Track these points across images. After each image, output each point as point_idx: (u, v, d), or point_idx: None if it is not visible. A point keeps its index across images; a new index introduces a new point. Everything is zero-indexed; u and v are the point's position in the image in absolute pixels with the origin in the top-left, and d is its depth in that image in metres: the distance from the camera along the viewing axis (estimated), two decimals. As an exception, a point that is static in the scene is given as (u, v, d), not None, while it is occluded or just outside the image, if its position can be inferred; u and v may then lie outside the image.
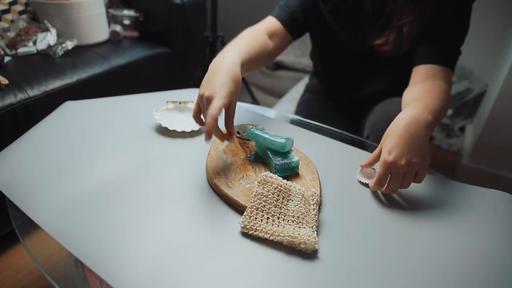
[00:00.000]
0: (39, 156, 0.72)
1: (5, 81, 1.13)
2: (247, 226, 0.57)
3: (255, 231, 0.56)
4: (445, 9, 0.82)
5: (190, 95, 0.98)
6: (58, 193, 0.63)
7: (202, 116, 0.70)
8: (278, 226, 0.57)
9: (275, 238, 0.55)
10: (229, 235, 0.57)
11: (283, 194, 0.61)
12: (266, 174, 0.62)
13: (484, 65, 1.97)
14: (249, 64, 0.78)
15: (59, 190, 0.64)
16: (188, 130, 0.82)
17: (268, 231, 0.56)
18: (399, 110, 0.75)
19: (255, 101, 2.13)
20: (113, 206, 0.61)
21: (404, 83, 0.86)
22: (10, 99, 1.10)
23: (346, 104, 1.14)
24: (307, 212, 0.59)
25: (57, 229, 0.56)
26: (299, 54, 2.12)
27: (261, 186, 0.61)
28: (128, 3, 1.72)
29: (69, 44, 1.39)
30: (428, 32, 0.84)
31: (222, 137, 0.66)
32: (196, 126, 0.83)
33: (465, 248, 0.57)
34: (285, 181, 0.62)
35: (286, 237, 0.55)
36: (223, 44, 1.94)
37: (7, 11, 1.40)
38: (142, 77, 1.57)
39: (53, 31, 1.39)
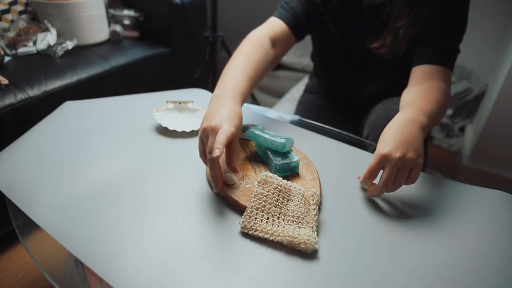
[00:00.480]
0: (39, 156, 0.72)
1: (5, 81, 1.13)
2: (247, 226, 0.57)
3: (255, 231, 0.56)
4: (442, 9, 0.82)
5: (190, 95, 0.98)
6: (58, 193, 0.63)
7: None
8: (278, 226, 0.57)
9: (275, 238, 0.55)
10: (229, 235, 0.57)
11: (283, 194, 0.61)
12: (266, 174, 0.62)
13: (484, 65, 1.97)
14: (251, 87, 0.77)
15: (59, 190, 0.64)
16: (188, 130, 0.82)
17: (268, 231, 0.56)
18: (398, 110, 0.75)
19: (255, 101, 2.14)
20: (113, 206, 0.61)
21: (403, 84, 0.86)
22: (10, 99, 1.10)
23: (346, 104, 1.14)
24: (307, 212, 0.59)
25: (57, 229, 0.56)
26: (299, 54, 2.12)
27: (261, 186, 0.61)
28: (128, 3, 1.72)
29: (69, 44, 1.40)
30: (426, 32, 0.84)
31: (219, 182, 0.61)
32: (196, 126, 0.82)
33: (465, 248, 0.57)
34: (285, 181, 0.62)
35: (286, 237, 0.55)
36: (223, 44, 1.94)
37: (7, 11, 1.40)
38: (142, 77, 1.57)
39: (53, 31, 1.39)
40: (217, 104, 0.67)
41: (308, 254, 0.54)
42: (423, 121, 0.67)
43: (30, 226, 0.58)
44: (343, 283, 0.51)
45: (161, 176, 0.68)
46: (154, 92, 1.03)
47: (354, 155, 0.80)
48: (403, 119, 0.66)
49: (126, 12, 1.65)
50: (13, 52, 1.34)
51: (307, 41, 1.10)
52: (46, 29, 1.40)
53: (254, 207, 0.59)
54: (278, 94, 2.10)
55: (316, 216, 0.59)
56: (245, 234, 0.57)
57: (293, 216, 0.58)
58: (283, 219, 0.59)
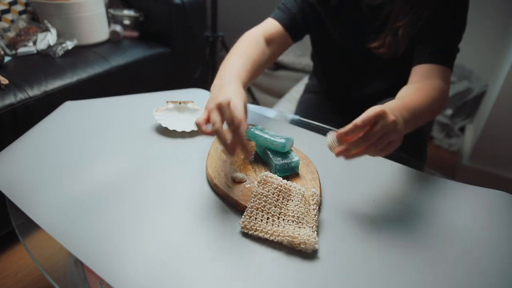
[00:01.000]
0: (39, 156, 0.72)
1: (5, 81, 1.13)
2: (247, 226, 0.57)
3: (255, 231, 0.56)
4: (442, 8, 0.82)
5: (190, 95, 0.98)
6: (58, 193, 0.63)
7: (206, 126, 0.64)
8: (278, 226, 0.57)
9: (275, 238, 0.55)
10: (229, 235, 0.57)
11: (283, 194, 0.61)
12: (266, 174, 0.62)
13: (484, 65, 1.97)
14: (249, 79, 0.78)
15: (59, 190, 0.64)
16: (188, 130, 0.82)
17: (268, 231, 0.56)
18: None
19: (255, 101, 2.14)
20: (113, 206, 0.61)
21: (403, 84, 0.86)
22: (10, 99, 1.10)
23: (346, 104, 1.14)
24: (307, 212, 0.59)
25: (57, 229, 0.56)
26: (299, 54, 2.12)
27: (261, 186, 0.61)
28: (128, 3, 1.72)
29: (69, 44, 1.40)
30: (426, 32, 0.84)
31: (247, 148, 0.60)
32: (196, 126, 0.82)
33: (465, 248, 0.57)
34: (285, 181, 0.62)
35: (286, 237, 0.55)
36: (223, 44, 1.94)
37: (7, 11, 1.40)
38: (142, 77, 1.57)
39: (53, 31, 1.39)
40: (218, 89, 0.66)
41: (308, 254, 0.54)
42: (402, 115, 0.63)
43: (30, 226, 0.58)
44: (343, 283, 0.51)
45: (161, 176, 0.68)
46: (154, 92, 1.03)
47: (354, 155, 0.79)
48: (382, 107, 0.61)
49: (126, 12, 1.65)
50: (13, 52, 1.34)
51: (307, 41, 1.10)
52: (46, 29, 1.40)
53: (254, 207, 0.59)
54: (278, 94, 2.10)
55: (316, 216, 0.59)
56: (245, 234, 0.57)
57: (293, 216, 0.58)
58: (283, 219, 0.59)
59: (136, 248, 0.53)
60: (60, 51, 1.36)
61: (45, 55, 1.36)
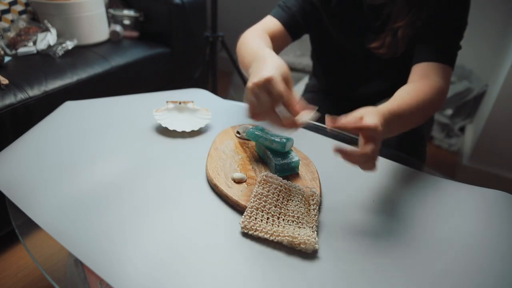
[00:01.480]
0: (39, 156, 0.72)
1: (5, 81, 1.13)
2: (247, 226, 0.57)
3: (255, 231, 0.56)
4: (442, 6, 0.82)
5: (190, 95, 0.98)
6: (58, 193, 0.63)
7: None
8: (278, 226, 0.57)
9: (275, 238, 0.55)
10: (229, 235, 0.57)
11: (283, 194, 0.61)
12: (266, 174, 0.62)
13: (484, 65, 1.97)
14: None
15: (59, 190, 0.64)
16: (188, 130, 0.82)
17: (268, 231, 0.56)
18: None
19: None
20: (113, 206, 0.61)
21: (403, 83, 0.85)
22: (10, 99, 1.10)
23: (346, 104, 1.14)
24: (307, 212, 0.59)
25: (57, 229, 0.56)
26: (299, 54, 2.12)
27: (261, 186, 0.61)
28: (128, 3, 1.72)
29: (69, 44, 1.40)
30: (426, 30, 0.84)
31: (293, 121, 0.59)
32: (196, 126, 0.82)
33: (465, 248, 0.57)
34: (285, 181, 0.62)
35: (286, 237, 0.55)
36: (223, 44, 1.94)
37: (7, 11, 1.41)
38: (142, 77, 1.57)
39: (53, 31, 1.39)
40: (255, 67, 0.63)
41: (308, 254, 0.54)
42: (388, 121, 0.63)
43: (30, 226, 0.58)
44: (343, 283, 0.51)
45: (161, 176, 0.68)
46: (154, 92, 1.03)
47: (354, 155, 0.79)
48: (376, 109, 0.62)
49: (126, 12, 1.65)
50: (13, 52, 1.34)
51: (307, 40, 1.10)
52: (46, 29, 1.40)
53: (254, 207, 0.59)
54: (278, 94, 2.10)
55: (316, 216, 0.59)
56: (245, 234, 0.57)
57: (293, 216, 0.58)
58: (283, 219, 0.59)
59: (136, 248, 0.53)
60: (60, 51, 1.36)
61: (45, 55, 1.36)
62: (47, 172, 0.68)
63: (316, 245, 0.54)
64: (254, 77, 0.58)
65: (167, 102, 0.87)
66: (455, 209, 0.65)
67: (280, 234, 0.55)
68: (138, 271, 0.50)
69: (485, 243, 0.59)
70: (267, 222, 0.58)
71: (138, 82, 1.56)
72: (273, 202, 0.60)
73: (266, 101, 0.58)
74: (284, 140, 0.68)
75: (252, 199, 0.60)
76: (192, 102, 0.88)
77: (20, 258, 1.18)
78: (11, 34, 1.35)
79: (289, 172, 0.68)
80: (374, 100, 1.02)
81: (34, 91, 1.16)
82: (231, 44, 1.99)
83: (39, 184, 0.65)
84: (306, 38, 1.08)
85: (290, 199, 0.61)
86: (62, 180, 0.66)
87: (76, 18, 1.43)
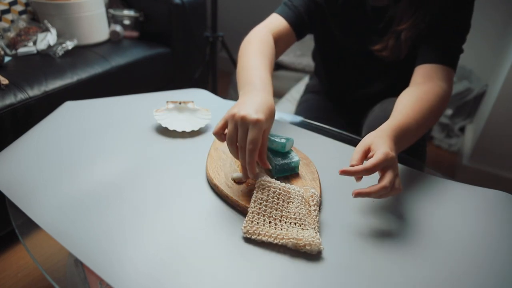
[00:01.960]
0: (39, 156, 0.72)
1: (5, 81, 1.13)
2: (249, 231, 0.56)
3: (258, 235, 0.56)
4: (446, 9, 0.82)
5: (190, 95, 0.98)
6: (58, 193, 0.63)
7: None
8: (281, 229, 0.57)
9: (279, 242, 0.55)
10: (229, 235, 0.57)
11: (283, 197, 0.61)
12: (263, 179, 0.61)
13: (484, 65, 1.97)
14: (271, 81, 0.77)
15: (59, 190, 0.64)
16: (188, 130, 0.82)
17: (272, 235, 0.56)
18: None
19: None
20: (113, 206, 0.61)
21: (404, 85, 0.85)
22: (10, 99, 1.10)
23: (346, 104, 1.14)
24: (308, 213, 0.59)
25: (57, 229, 0.56)
26: (299, 54, 2.12)
27: (260, 191, 0.60)
28: (128, 3, 1.72)
29: (69, 44, 1.39)
30: (430, 31, 0.84)
31: (254, 172, 0.60)
32: (196, 126, 0.83)
33: (464, 247, 0.57)
34: (283, 183, 0.62)
35: (291, 240, 0.54)
36: (223, 44, 1.94)
37: (7, 11, 1.40)
38: (142, 77, 1.57)
39: (53, 31, 1.39)
40: (248, 96, 0.65)
41: (312, 255, 0.54)
42: (398, 141, 0.65)
43: (30, 226, 0.58)
44: (349, 282, 0.51)
45: (161, 176, 0.68)
46: (154, 92, 1.03)
47: (354, 155, 0.79)
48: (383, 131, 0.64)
49: (126, 12, 1.65)
50: (13, 52, 1.34)
51: (307, 40, 1.10)
52: (46, 29, 1.39)
53: (255, 212, 0.58)
54: (278, 94, 2.10)
55: (317, 217, 0.59)
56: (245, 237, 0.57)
57: (295, 218, 0.58)
58: (285, 222, 0.58)
59: (136, 248, 0.53)
60: (60, 51, 1.36)
61: (45, 55, 1.36)
62: (47, 172, 0.68)
63: (321, 246, 0.54)
64: (244, 109, 0.60)
65: (167, 102, 0.87)
66: (455, 209, 0.65)
67: (284, 237, 0.55)
68: (138, 271, 0.50)
69: (485, 243, 0.59)
70: (269, 226, 0.58)
71: (138, 82, 1.56)
72: (274, 206, 0.59)
73: (240, 136, 0.59)
74: (284, 140, 0.68)
75: (252, 204, 0.59)
76: (192, 102, 0.88)
77: (20, 258, 1.18)
78: (11, 34, 1.35)
79: (289, 172, 0.68)
80: (375, 101, 1.02)
81: (34, 91, 1.16)
82: (231, 44, 1.99)
83: (39, 184, 0.65)
84: (306, 38, 1.08)
85: (291, 201, 0.60)
86: (62, 180, 0.66)
87: (76, 18, 1.43)
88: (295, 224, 0.58)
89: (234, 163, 0.71)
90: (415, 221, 0.62)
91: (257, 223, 0.57)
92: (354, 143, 0.86)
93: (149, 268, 0.50)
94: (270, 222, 0.58)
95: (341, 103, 1.15)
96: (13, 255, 1.19)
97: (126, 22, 1.64)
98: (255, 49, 0.81)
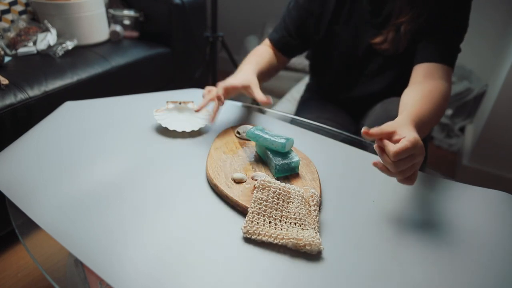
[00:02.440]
0: (39, 156, 0.72)
1: (5, 81, 1.13)
2: (249, 231, 0.56)
3: (258, 236, 0.56)
4: (444, 7, 0.82)
5: (190, 95, 0.98)
6: (58, 193, 0.63)
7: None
8: (281, 229, 0.57)
9: (279, 242, 0.55)
10: (229, 235, 0.57)
11: (282, 197, 0.61)
12: (263, 179, 0.61)
13: (484, 65, 1.97)
14: (263, 73, 0.93)
15: (59, 190, 0.64)
16: (188, 130, 0.82)
17: (272, 235, 0.56)
18: (397, 110, 0.75)
19: (255, 101, 2.13)
20: (113, 206, 0.61)
21: (404, 82, 0.86)
22: (10, 99, 1.10)
23: (346, 104, 1.14)
24: (308, 213, 0.59)
25: (57, 229, 0.56)
26: (299, 54, 2.12)
27: (260, 191, 0.60)
28: (128, 3, 1.72)
29: (69, 44, 1.39)
30: (428, 30, 0.84)
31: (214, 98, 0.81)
32: (196, 126, 0.82)
33: (464, 248, 0.57)
34: (283, 184, 0.62)
35: (291, 240, 0.54)
36: (223, 44, 1.94)
37: (7, 11, 1.40)
38: (142, 77, 1.57)
39: (53, 31, 1.39)
40: (235, 74, 0.85)
41: (311, 255, 0.54)
42: (419, 127, 0.65)
43: (30, 226, 0.58)
44: (350, 282, 0.51)
45: (161, 176, 0.68)
46: (154, 92, 1.03)
47: (354, 155, 0.79)
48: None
49: (126, 12, 1.65)
50: (13, 52, 1.34)
51: (307, 41, 1.10)
52: (46, 29, 1.39)
53: (255, 212, 0.58)
54: (278, 94, 2.10)
55: (317, 217, 0.59)
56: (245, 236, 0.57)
57: (295, 218, 0.58)
58: (285, 222, 0.58)
59: (136, 248, 0.53)
60: (60, 51, 1.36)
61: (45, 55, 1.36)
62: (47, 172, 0.68)
63: (321, 246, 0.54)
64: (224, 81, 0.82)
65: (167, 102, 0.87)
66: (455, 209, 0.65)
67: (284, 237, 0.55)
68: (138, 271, 0.50)
69: (485, 243, 0.59)
70: (269, 226, 0.58)
71: (138, 82, 1.56)
72: (274, 206, 0.60)
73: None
74: (284, 140, 0.68)
75: (252, 204, 0.59)
76: (192, 102, 0.88)
77: (20, 258, 1.18)
78: (11, 34, 1.35)
79: (289, 172, 0.68)
80: (375, 100, 1.02)
81: (34, 91, 1.16)
82: (231, 44, 2.00)
83: (39, 184, 0.65)
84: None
85: (291, 201, 0.60)
86: (62, 180, 0.66)
87: (76, 18, 1.43)
88: (295, 224, 0.58)
89: (234, 163, 0.71)
90: (415, 221, 0.62)
91: (257, 223, 0.57)
92: (354, 143, 0.86)
93: (149, 268, 0.50)
94: (270, 222, 0.58)
95: (341, 102, 1.15)
96: (13, 255, 1.19)
97: (126, 22, 1.64)
98: (246, 60, 0.97)
